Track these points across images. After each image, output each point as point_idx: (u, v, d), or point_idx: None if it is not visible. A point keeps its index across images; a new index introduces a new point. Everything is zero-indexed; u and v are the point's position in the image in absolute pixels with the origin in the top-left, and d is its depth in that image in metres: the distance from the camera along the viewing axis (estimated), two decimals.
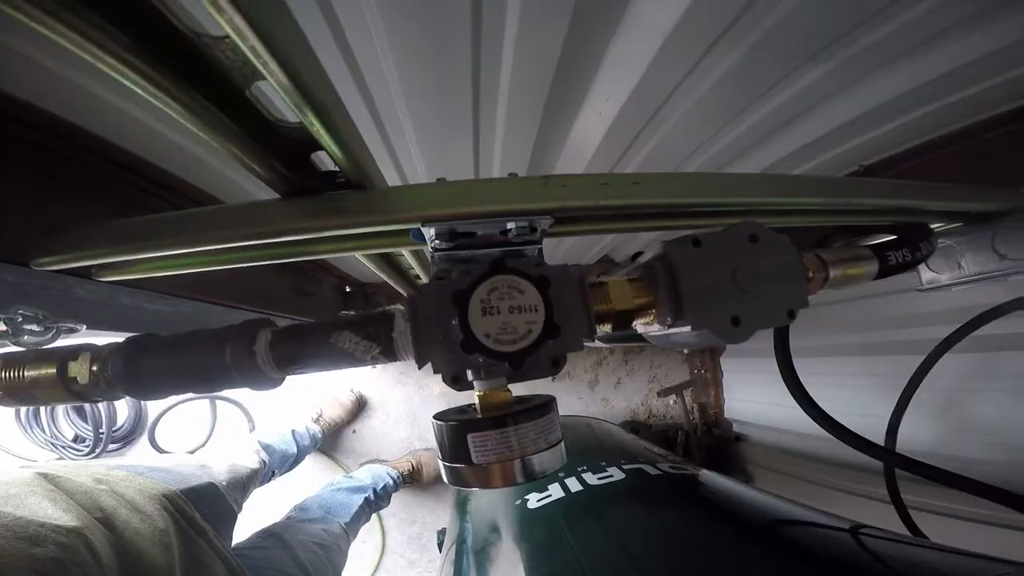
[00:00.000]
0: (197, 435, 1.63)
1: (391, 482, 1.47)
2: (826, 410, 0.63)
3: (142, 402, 1.61)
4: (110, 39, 0.20)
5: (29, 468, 0.54)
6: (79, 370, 0.29)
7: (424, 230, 0.34)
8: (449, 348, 0.27)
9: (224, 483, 0.83)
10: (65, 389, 0.30)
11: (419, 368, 0.29)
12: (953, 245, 0.56)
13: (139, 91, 0.23)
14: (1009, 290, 0.64)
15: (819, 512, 0.59)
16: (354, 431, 1.76)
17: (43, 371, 0.30)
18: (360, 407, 1.76)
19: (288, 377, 0.31)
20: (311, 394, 1.71)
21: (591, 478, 0.78)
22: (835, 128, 0.77)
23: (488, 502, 1.05)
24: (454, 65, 0.58)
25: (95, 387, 0.29)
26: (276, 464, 1.24)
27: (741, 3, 0.51)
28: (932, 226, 0.54)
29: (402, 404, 1.81)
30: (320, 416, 1.59)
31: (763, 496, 0.66)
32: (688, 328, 0.31)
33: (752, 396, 1.74)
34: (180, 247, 0.34)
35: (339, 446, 1.74)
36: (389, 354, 0.29)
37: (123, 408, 1.57)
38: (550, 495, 0.77)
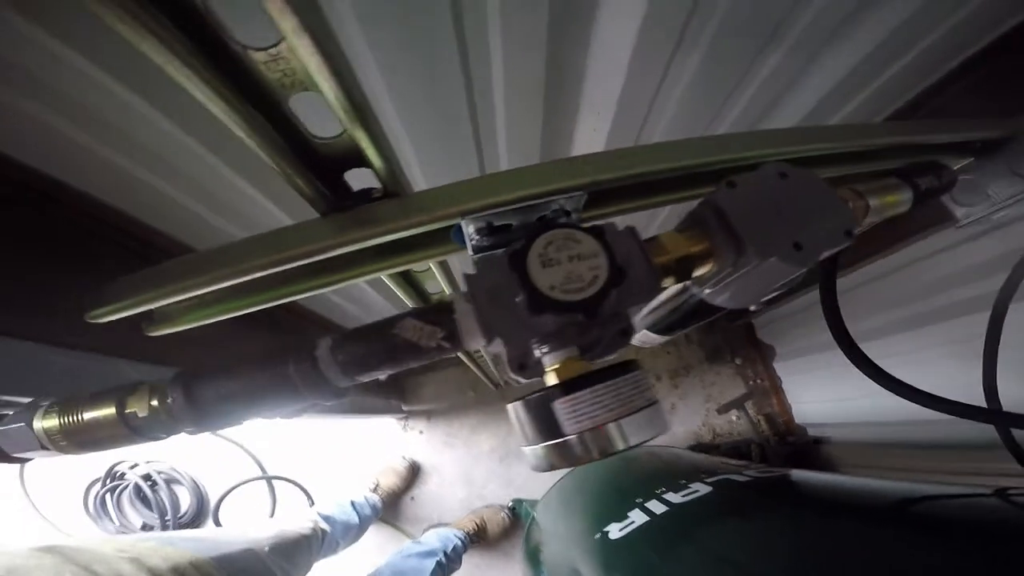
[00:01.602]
0: (258, 516, 1.60)
1: (459, 543, 1.37)
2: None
3: (202, 486, 1.62)
4: (176, 41, 0.21)
5: (44, 543, 0.54)
6: (138, 404, 0.28)
7: (464, 225, 0.34)
8: (515, 316, 0.25)
9: (267, 548, 0.80)
10: (126, 426, 0.28)
11: (487, 344, 0.27)
12: (974, 179, 0.54)
13: (206, 101, 0.24)
14: None
15: (948, 485, 0.52)
16: (412, 498, 1.68)
17: (102, 412, 0.28)
18: (414, 473, 1.69)
19: (356, 384, 0.30)
20: (365, 466, 1.67)
21: (674, 497, 0.71)
22: (812, 109, 0.78)
23: (563, 542, 0.97)
24: (451, 109, 0.62)
25: (156, 421, 0.27)
26: (340, 534, 1.19)
27: (684, 12, 0.56)
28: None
29: (454, 465, 1.73)
30: (377, 486, 1.54)
31: (874, 482, 0.58)
32: (754, 263, 0.29)
33: (819, 396, 1.61)
34: (227, 279, 0.33)
35: (400, 515, 1.67)
36: (453, 339, 0.27)
37: (185, 495, 1.57)
38: (632, 522, 0.70)
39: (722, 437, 1.79)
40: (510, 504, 1.62)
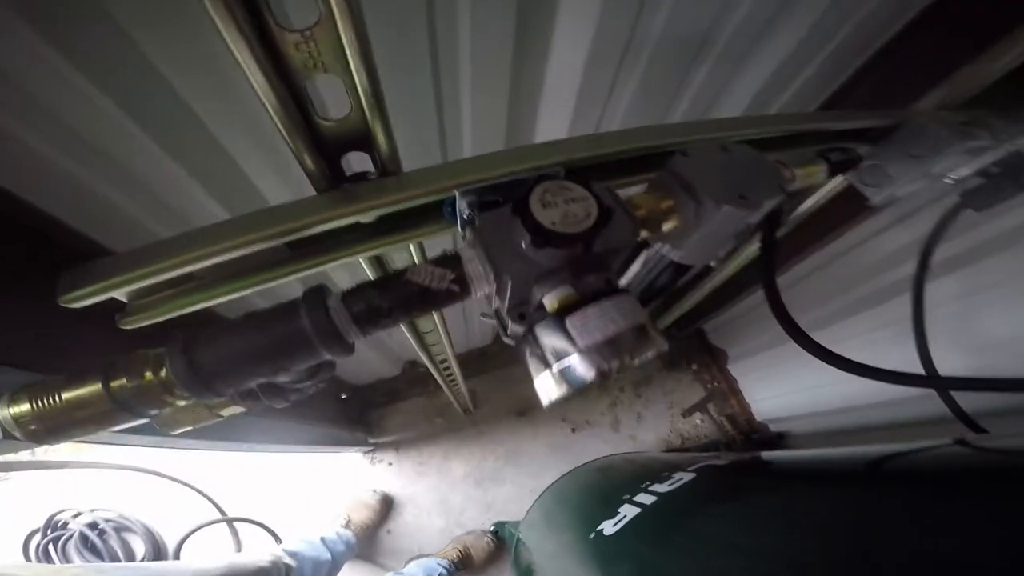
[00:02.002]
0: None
1: (444, 572, 1.33)
2: None
3: (157, 533, 1.48)
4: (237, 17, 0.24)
5: None
6: (128, 376, 0.27)
7: (458, 198, 0.37)
8: (520, 256, 0.28)
9: None
10: (112, 402, 0.27)
11: (494, 286, 0.30)
12: (878, 163, 0.64)
13: (250, 72, 0.26)
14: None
15: (912, 442, 0.55)
16: (388, 531, 1.60)
17: (85, 389, 0.27)
18: (387, 506, 1.61)
19: (368, 337, 0.31)
20: (333, 503, 1.59)
21: (661, 487, 0.74)
22: (747, 106, 0.90)
23: (556, 553, 0.97)
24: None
25: (149, 393, 0.27)
26: (309, 571, 1.12)
27: (626, 32, 0.66)
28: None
29: (430, 494, 1.68)
30: (349, 521, 1.46)
31: (845, 449, 0.62)
32: (710, 211, 0.34)
33: (775, 391, 1.72)
34: (220, 254, 0.34)
35: (378, 550, 1.58)
36: (462, 283, 0.30)
37: (138, 543, 1.44)
38: (624, 516, 0.73)
39: (690, 441, 1.85)
40: (492, 528, 1.59)
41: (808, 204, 0.94)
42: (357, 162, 0.38)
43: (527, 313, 0.31)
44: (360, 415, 1.76)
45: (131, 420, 0.29)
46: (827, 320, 1.35)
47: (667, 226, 0.37)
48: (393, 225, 0.41)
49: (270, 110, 0.29)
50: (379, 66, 0.29)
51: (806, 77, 0.86)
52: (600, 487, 1.10)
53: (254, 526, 1.53)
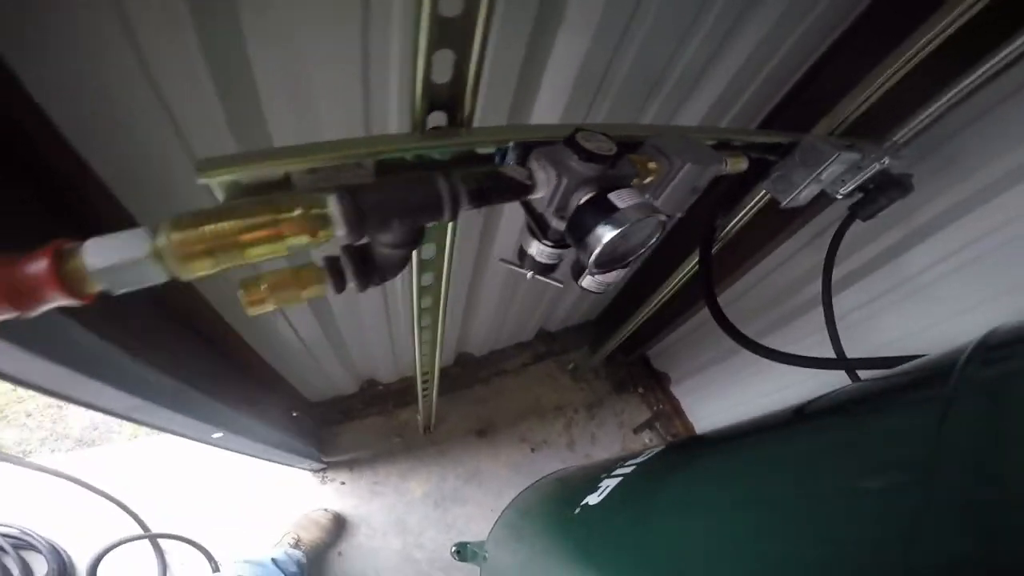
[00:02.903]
0: None
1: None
2: None
3: (64, 552, 1.38)
4: None
5: None
6: (293, 209, 0.35)
7: (511, 149, 0.55)
8: (569, 167, 0.46)
9: None
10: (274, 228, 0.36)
11: (555, 181, 0.46)
12: (783, 172, 0.90)
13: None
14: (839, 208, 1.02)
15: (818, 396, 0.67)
16: (340, 553, 1.56)
17: (251, 219, 0.35)
18: (340, 526, 1.58)
19: (474, 208, 0.45)
20: (277, 523, 1.55)
21: (634, 462, 0.84)
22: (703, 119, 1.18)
23: (534, 545, 1.05)
24: None
25: (310, 225, 0.36)
26: None
27: (600, 72, 0.92)
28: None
29: (385, 514, 1.68)
30: (299, 540, 1.42)
31: (775, 412, 0.73)
32: (678, 166, 0.55)
33: (716, 408, 1.96)
34: (329, 159, 0.45)
35: (327, 573, 1.53)
36: (532, 180, 0.47)
37: (40, 563, 1.31)
38: (608, 486, 0.82)
39: None
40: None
41: (737, 218, 1.22)
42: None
43: (566, 215, 0.49)
44: (313, 432, 1.77)
45: (276, 248, 0.37)
46: (761, 333, 1.63)
47: (648, 179, 0.57)
48: (457, 166, 0.57)
49: (419, 71, 0.46)
50: None
51: (735, 112, 1.17)
52: (571, 481, 1.21)
53: (184, 544, 1.45)
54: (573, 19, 0.80)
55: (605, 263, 0.49)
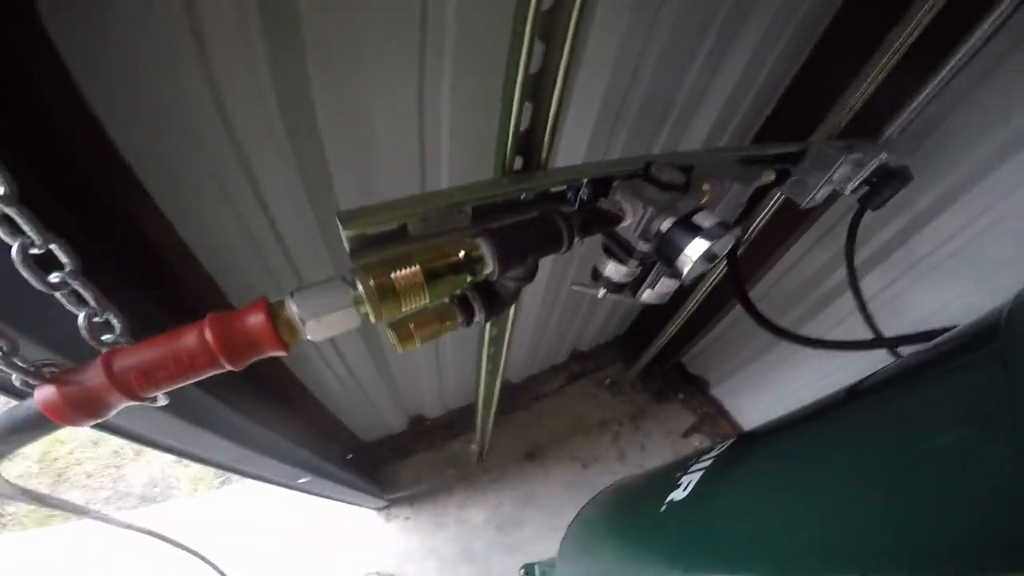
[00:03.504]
0: None
1: None
2: None
3: None
4: None
5: None
6: (455, 252, 0.47)
7: (585, 185, 0.64)
8: (649, 197, 0.55)
9: None
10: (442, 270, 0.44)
11: (642, 210, 0.55)
12: (798, 178, 0.99)
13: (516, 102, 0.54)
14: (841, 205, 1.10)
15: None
16: None
17: (434, 262, 0.43)
18: None
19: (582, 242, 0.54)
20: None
21: (709, 456, 0.84)
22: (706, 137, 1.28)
23: (616, 549, 1.07)
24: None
25: (462, 267, 0.46)
26: None
27: (618, 104, 1.03)
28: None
29: (451, 544, 1.71)
30: None
31: (836, 393, 0.72)
32: (728, 185, 0.64)
33: (760, 406, 1.99)
34: (438, 205, 0.54)
35: None
36: (621, 212, 0.56)
37: None
38: (691, 480, 0.83)
39: None
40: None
41: (757, 221, 1.31)
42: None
43: (649, 237, 0.58)
44: (371, 472, 1.82)
45: (447, 288, 0.44)
46: (793, 326, 1.69)
47: (704, 199, 0.66)
48: (538, 203, 0.66)
49: (511, 123, 0.56)
50: None
51: (735, 122, 1.29)
52: (640, 487, 1.23)
53: None
54: (593, 55, 0.90)
55: (695, 275, 0.57)
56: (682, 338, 1.94)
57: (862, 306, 1.21)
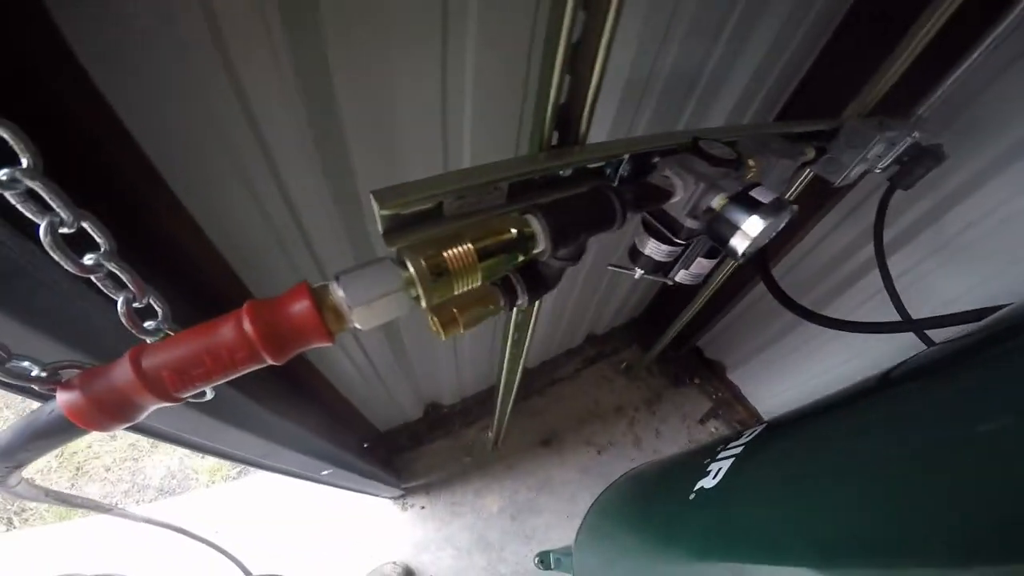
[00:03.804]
0: None
1: None
2: None
3: None
4: None
5: None
6: (502, 231, 0.43)
7: (626, 160, 0.62)
8: (700, 172, 0.53)
9: None
10: (495, 248, 0.40)
11: (694, 183, 0.53)
12: (832, 156, 0.96)
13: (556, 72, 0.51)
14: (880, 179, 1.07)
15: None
16: None
17: (483, 242, 0.40)
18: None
19: (633, 216, 0.51)
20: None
21: (738, 443, 0.82)
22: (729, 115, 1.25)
23: (639, 536, 1.06)
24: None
25: (516, 246, 0.43)
26: None
27: (644, 78, 1.00)
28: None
29: (467, 533, 1.72)
30: None
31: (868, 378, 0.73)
32: (775, 164, 0.61)
33: (777, 390, 1.98)
34: (473, 182, 0.51)
35: None
36: (672, 186, 0.54)
37: None
38: (720, 467, 0.82)
39: None
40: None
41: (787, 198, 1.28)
42: None
43: (698, 214, 0.55)
44: (387, 461, 1.82)
45: (500, 268, 0.42)
46: (814, 306, 1.67)
47: (750, 175, 0.64)
48: (576, 180, 0.64)
49: (551, 96, 0.53)
50: None
51: (760, 97, 1.25)
52: (662, 474, 1.21)
53: None
54: (621, 27, 0.87)
55: (752, 252, 0.54)
56: (699, 321, 1.92)
57: (891, 288, 1.18)
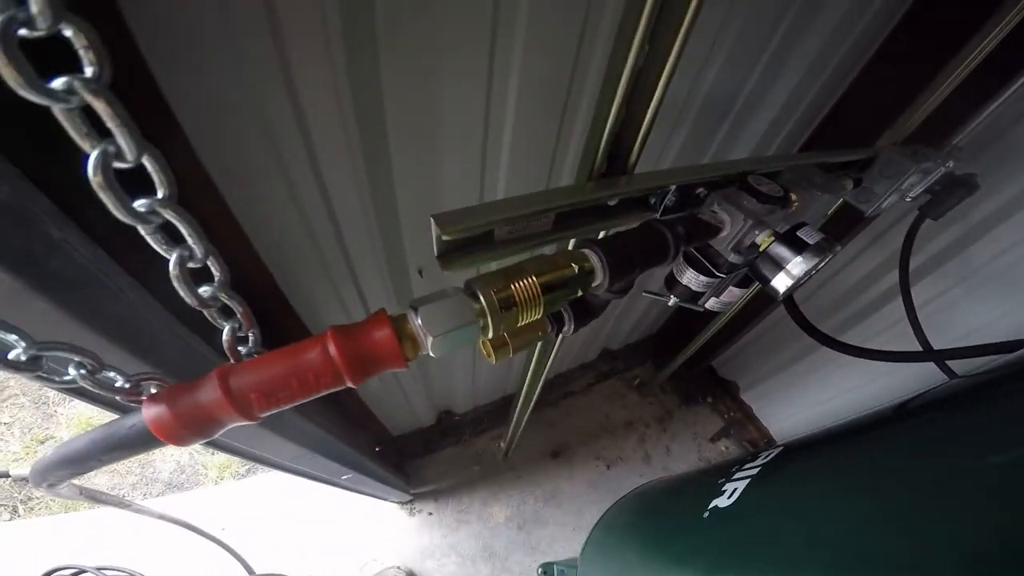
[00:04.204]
0: None
1: None
2: None
3: None
4: None
5: None
6: (565, 266, 0.45)
7: (672, 190, 0.63)
8: (746, 208, 0.54)
9: None
10: (556, 282, 0.42)
11: (737, 228, 0.55)
12: (865, 184, 0.97)
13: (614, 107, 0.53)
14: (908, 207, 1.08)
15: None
16: None
17: (548, 276, 0.42)
18: None
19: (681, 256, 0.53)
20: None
21: (754, 464, 0.83)
22: (757, 143, 1.26)
23: (646, 553, 1.08)
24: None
25: (574, 282, 0.45)
26: None
27: (680, 103, 1.01)
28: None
29: (472, 541, 1.73)
30: None
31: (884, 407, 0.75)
32: (817, 198, 0.63)
33: (790, 412, 1.98)
34: (526, 211, 0.52)
35: None
36: (720, 224, 0.55)
37: None
38: (736, 488, 0.82)
39: None
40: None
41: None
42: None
43: (742, 250, 0.57)
44: (399, 466, 1.83)
45: (560, 301, 0.44)
46: (834, 332, 1.67)
47: (793, 207, 0.65)
48: (621, 208, 0.65)
49: (608, 127, 0.55)
50: None
51: (793, 120, 1.27)
52: (674, 492, 1.22)
53: None
54: None
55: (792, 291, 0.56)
56: (716, 342, 1.93)
57: (914, 318, 1.19)
